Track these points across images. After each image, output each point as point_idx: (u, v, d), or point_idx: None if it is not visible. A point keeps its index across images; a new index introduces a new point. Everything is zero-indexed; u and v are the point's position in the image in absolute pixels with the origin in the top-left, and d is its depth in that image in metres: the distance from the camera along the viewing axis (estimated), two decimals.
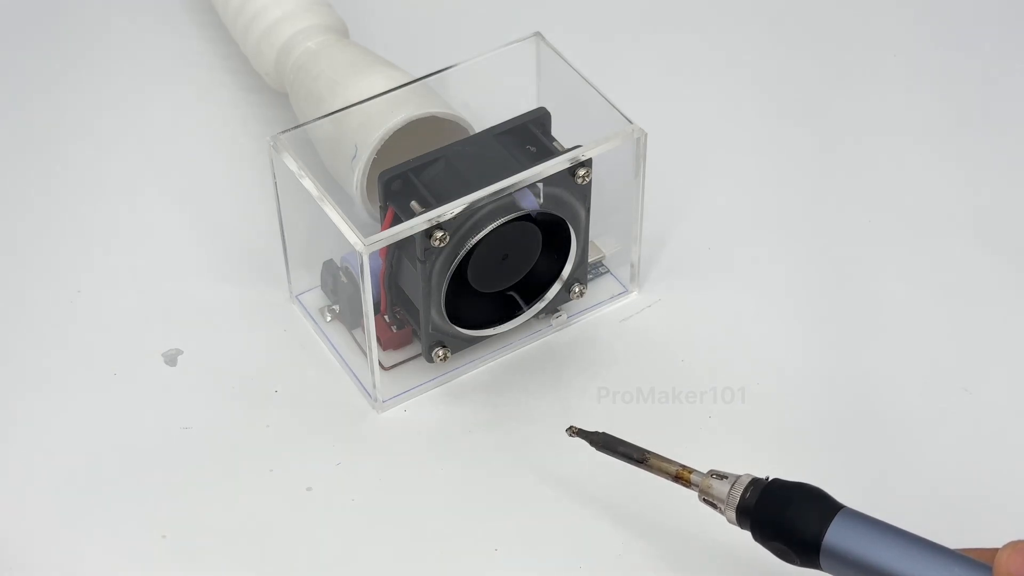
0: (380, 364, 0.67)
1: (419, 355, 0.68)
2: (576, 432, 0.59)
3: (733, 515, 0.55)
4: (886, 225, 0.75)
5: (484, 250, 0.64)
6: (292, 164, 0.65)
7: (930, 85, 0.82)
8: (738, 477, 0.55)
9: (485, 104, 0.70)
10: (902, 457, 0.65)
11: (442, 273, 0.64)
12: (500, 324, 0.68)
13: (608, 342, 0.70)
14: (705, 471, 0.56)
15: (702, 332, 0.70)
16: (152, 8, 0.87)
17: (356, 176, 0.68)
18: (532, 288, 0.68)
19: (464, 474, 0.64)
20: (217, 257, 0.73)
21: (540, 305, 0.69)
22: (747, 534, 0.55)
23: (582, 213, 0.67)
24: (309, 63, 0.73)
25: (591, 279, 0.71)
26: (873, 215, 0.75)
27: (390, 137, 0.68)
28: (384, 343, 0.68)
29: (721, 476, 0.55)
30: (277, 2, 0.76)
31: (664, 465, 0.57)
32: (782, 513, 0.54)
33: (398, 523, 0.63)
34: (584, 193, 0.66)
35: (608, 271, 0.72)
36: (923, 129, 0.80)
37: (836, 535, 0.52)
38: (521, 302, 0.68)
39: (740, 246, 0.74)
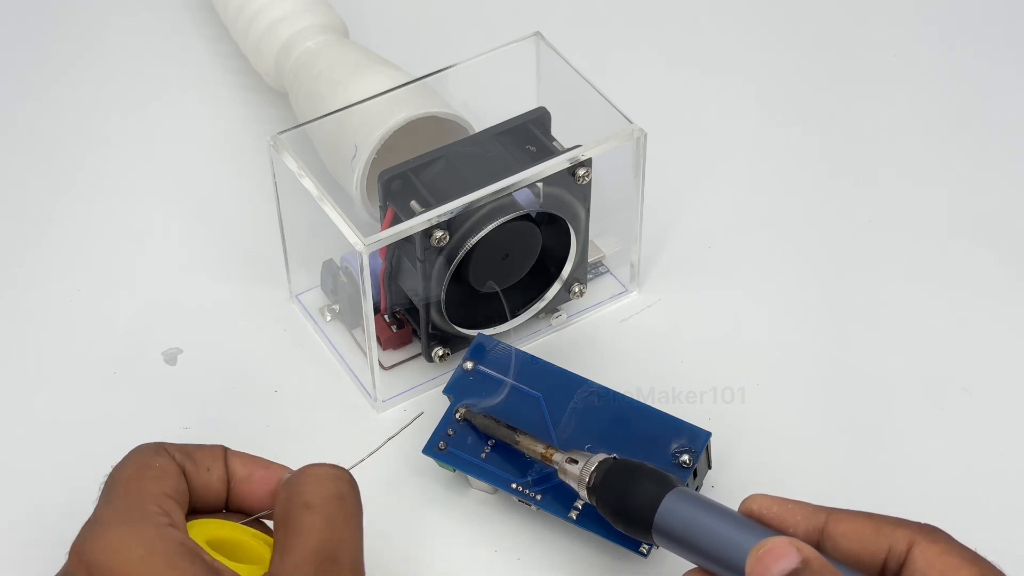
0: (380, 364, 0.67)
1: (419, 355, 0.68)
2: (464, 415, 0.62)
3: (585, 494, 0.57)
4: (886, 225, 0.75)
5: (484, 250, 0.64)
6: (292, 164, 0.65)
7: (930, 85, 0.82)
8: (590, 458, 0.57)
9: (485, 104, 0.70)
10: (902, 457, 0.65)
11: (442, 273, 0.64)
12: (500, 324, 0.68)
13: (608, 342, 0.70)
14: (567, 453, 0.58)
15: (702, 332, 0.70)
16: (152, 8, 0.87)
17: (356, 176, 0.68)
18: (532, 288, 0.69)
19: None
20: (217, 257, 0.73)
21: (540, 305, 0.69)
22: None
23: (582, 213, 0.67)
24: (309, 63, 0.73)
25: (591, 279, 0.71)
26: (873, 215, 0.75)
27: (390, 137, 0.68)
28: (384, 343, 0.68)
29: (574, 460, 0.57)
30: (277, 2, 0.76)
31: (532, 445, 0.60)
32: (619, 493, 0.55)
33: (397, 523, 0.63)
34: (584, 193, 0.66)
35: (608, 271, 0.72)
36: (923, 129, 0.80)
37: (665, 514, 0.53)
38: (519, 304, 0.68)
39: (740, 246, 0.74)
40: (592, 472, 0.56)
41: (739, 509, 0.52)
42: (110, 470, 0.54)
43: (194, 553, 0.50)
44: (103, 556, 0.50)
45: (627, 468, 0.55)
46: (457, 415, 0.62)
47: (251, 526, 0.55)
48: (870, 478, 0.64)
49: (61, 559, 0.62)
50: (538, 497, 0.60)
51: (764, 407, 0.67)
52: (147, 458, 0.54)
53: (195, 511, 0.55)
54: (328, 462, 0.54)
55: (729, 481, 0.63)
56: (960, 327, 0.70)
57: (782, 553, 0.48)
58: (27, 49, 0.85)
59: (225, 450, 0.56)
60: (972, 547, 0.50)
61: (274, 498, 0.54)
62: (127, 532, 0.51)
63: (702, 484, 0.62)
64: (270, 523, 0.55)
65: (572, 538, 0.62)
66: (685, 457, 0.60)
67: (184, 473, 0.54)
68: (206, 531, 0.53)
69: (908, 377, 0.68)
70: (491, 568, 0.61)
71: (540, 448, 0.60)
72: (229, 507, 0.56)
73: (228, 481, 0.55)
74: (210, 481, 0.55)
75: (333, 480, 0.53)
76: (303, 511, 0.52)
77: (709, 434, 0.61)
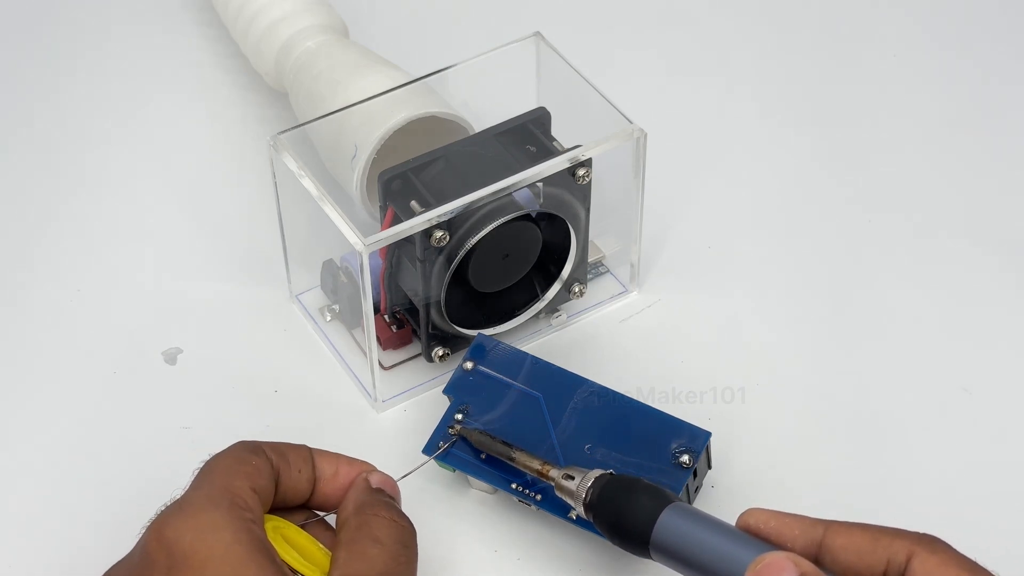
0: (380, 364, 0.67)
1: (419, 355, 0.68)
2: (458, 432, 0.62)
3: (583, 510, 0.56)
4: (886, 225, 0.75)
5: (484, 250, 0.64)
6: (292, 164, 0.65)
7: (930, 85, 0.82)
8: (586, 473, 0.56)
9: (485, 104, 0.70)
10: (902, 457, 0.65)
11: (442, 273, 0.64)
12: (500, 324, 0.68)
13: (608, 342, 0.70)
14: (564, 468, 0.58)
15: (702, 332, 0.70)
16: (152, 8, 0.87)
17: (356, 176, 0.68)
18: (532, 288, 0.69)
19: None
20: (217, 257, 0.73)
21: (540, 305, 0.69)
22: None
23: (582, 213, 0.67)
24: (309, 63, 0.73)
25: (591, 279, 0.71)
26: (873, 215, 0.75)
27: (390, 137, 0.68)
28: (384, 343, 0.68)
29: (571, 476, 0.57)
30: (277, 2, 0.76)
31: (528, 462, 0.59)
32: (616, 509, 0.54)
33: None
34: (584, 193, 0.66)
35: (608, 271, 0.72)
36: (923, 129, 0.80)
37: (662, 529, 0.52)
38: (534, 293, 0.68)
39: (740, 246, 0.74)
40: (589, 488, 0.56)
41: (736, 524, 0.52)
42: (207, 458, 0.55)
43: (270, 553, 0.52)
44: (189, 536, 0.51)
45: (624, 484, 0.55)
46: (451, 430, 0.62)
47: (307, 528, 0.56)
48: (870, 477, 0.64)
49: (62, 558, 0.62)
50: (538, 497, 0.60)
51: (764, 407, 0.67)
52: (244, 454, 0.55)
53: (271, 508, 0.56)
54: (395, 506, 0.57)
55: (729, 481, 0.63)
56: (960, 327, 0.70)
57: (780, 568, 0.48)
58: (27, 49, 0.85)
59: (310, 450, 0.58)
60: (972, 551, 0.50)
61: (347, 495, 0.56)
62: (218, 518, 0.52)
63: (702, 484, 0.62)
64: (329, 519, 0.57)
65: (572, 538, 0.62)
66: (685, 457, 0.60)
67: (277, 474, 0.56)
68: (279, 526, 0.55)
69: (908, 377, 0.68)
70: (491, 568, 0.61)
71: (536, 464, 0.59)
72: (308, 505, 0.57)
73: (315, 481, 0.57)
74: (299, 482, 0.57)
75: (401, 528, 0.55)
76: (372, 543, 0.54)
77: (709, 434, 0.61)
